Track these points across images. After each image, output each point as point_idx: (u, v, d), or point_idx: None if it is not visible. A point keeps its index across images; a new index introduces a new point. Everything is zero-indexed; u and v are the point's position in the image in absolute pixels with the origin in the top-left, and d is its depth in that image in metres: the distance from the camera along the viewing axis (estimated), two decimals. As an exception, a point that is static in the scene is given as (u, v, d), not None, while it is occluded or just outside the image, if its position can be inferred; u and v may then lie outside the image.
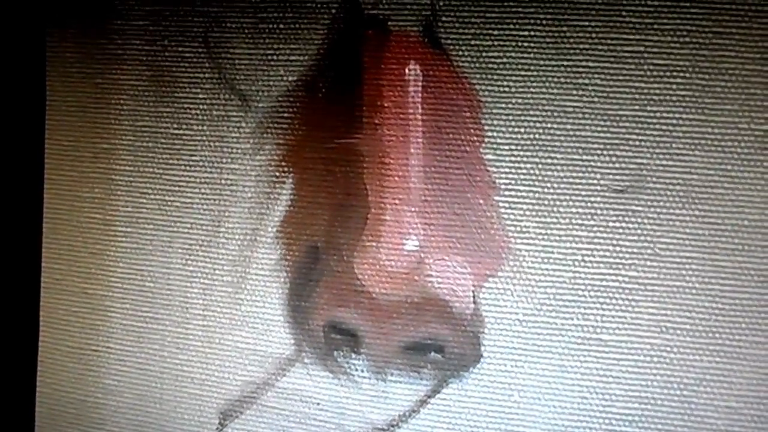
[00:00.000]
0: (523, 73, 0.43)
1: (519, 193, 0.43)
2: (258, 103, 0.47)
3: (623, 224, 0.42)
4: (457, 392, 0.45)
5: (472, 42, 0.43)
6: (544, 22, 0.42)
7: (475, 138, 0.44)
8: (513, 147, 0.43)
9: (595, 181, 0.42)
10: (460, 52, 0.43)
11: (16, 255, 0.49)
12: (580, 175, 0.43)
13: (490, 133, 0.43)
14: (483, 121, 0.43)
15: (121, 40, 0.49)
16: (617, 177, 0.42)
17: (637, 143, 0.42)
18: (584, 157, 0.42)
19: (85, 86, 0.49)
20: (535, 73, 0.43)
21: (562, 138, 0.43)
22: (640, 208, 0.42)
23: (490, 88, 0.43)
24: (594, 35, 0.42)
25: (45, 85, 0.49)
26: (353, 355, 0.46)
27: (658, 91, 0.41)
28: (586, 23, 0.42)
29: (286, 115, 0.46)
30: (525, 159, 0.43)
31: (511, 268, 0.44)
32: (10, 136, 0.48)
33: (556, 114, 0.42)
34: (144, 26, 0.48)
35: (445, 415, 0.45)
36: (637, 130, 0.42)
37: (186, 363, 0.49)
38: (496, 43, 0.43)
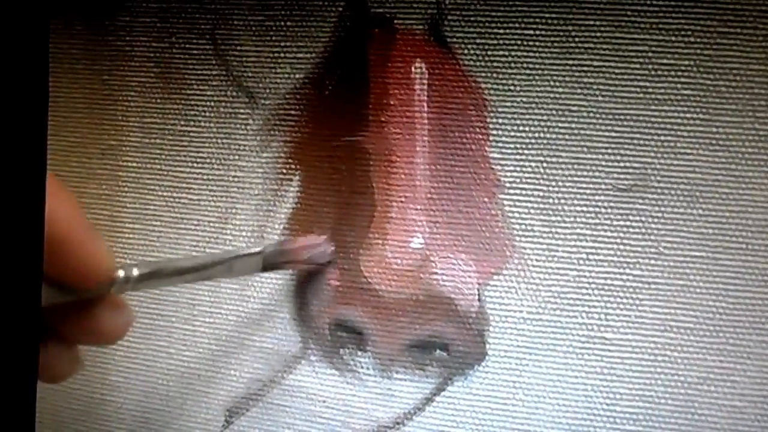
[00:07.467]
0: (528, 71, 0.43)
1: (524, 192, 0.43)
2: (265, 101, 0.47)
3: (628, 223, 0.42)
4: (462, 390, 0.45)
5: (478, 40, 0.43)
6: (549, 21, 0.42)
7: (481, 136, 0.44)
8: (518, 145, 0.43)
9: (600, 180, 0.43)
10: (466, 51, 0.43)
11: (19, 253, 0.49)
12: (585, 173, 0.43)
13: (495, 132, 0.44)
14: (488, 120, 0.44)
15: (128, 36, 0.49)
16: (622, 176, 0.42)
17: (642, 142, 0.42)
18: (589, 156, 0.43)
19: (91, 83, 0.50)
20: (540, 71, 0.43)
21: (567, 137, 0.43)
22: (644, 207, 0.42)
23: (495, 86, 0.43)
24: (599, 34, 0.42)
25: (49, 82, 0.50)
26: (359, 353, 0.46)
27: (662, 91, 0.42)
28: (592, 22, 0.42)
29: (293, 112, 0.47)
30: (530, 157, 0.43)
31: (515, 266, 0.44)
32: (13, 133, 0.48)
33: (561, 113, 0.43)
34: (151, 23, 0.48)
35: (450, 413, 0.45)
36: (641, 130, 0.42)
37: (192, 360, 0.49)
38: (501, 41, 0.43)
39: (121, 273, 0.35)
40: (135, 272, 0.36)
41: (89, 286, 0.33)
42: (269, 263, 0.42)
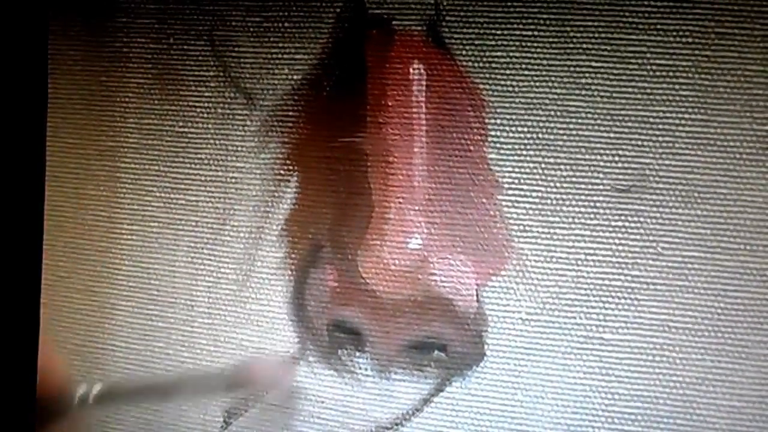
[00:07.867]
0: (526, 72, 0.43)
1: (522, 192, 0.43)
2: (263, 102, 0.47)
3: (626, 223, 0.42)
4: (461, 391, 0.45)
5: (476, 41, 0.43)
6: (547, 21, 0.42)
7: (479, 137, 0.44)
8: (516, 146, 0.43)
9: (599, 181, 0.43)
10: (464, 52, 0.43)
11: (17, 254, 0.49)
12: (584, 174, 0.43)
13: (493, 133, 0.44)
14: (487, 121, 0.44)
15: (126, 38, 0.49)
16: (620, 176, 0.42)
17: (640, 143, 0.42)
18: (587, 157, 0.43)
19: (89, 84, 0.50)
20: (538, 72, 0.43)
21: (566, 137, 0.43)
22: (643, 208, 0.42)
23: (493, 87, 0.43)
24: (597, 35, 0.42)
25: (47, 83, 0.50)
26: (357, 354, 0.46)
27: (661, 92, 0.42)
28: (590, 23, 0.42)
29: (290, 113, 0.46)
30: (528, 158, 0.43)
31: (514, 267, 0.44)
32: (12, 134, 0.48)
33: (559, 113, 0.43)
34: (149, 24, 0.48)
35: (448, 414, 0.45)
36: (640, 130, 0.42)
37: (191, 361, 0.49)
38: (500, 42, 0.43)
39: (82, 389, 0.35)
40: (95, 389, 0.35)
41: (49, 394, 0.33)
42: (232, 383, 0.43)
